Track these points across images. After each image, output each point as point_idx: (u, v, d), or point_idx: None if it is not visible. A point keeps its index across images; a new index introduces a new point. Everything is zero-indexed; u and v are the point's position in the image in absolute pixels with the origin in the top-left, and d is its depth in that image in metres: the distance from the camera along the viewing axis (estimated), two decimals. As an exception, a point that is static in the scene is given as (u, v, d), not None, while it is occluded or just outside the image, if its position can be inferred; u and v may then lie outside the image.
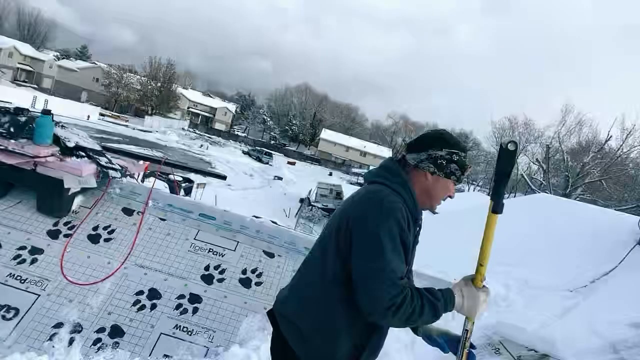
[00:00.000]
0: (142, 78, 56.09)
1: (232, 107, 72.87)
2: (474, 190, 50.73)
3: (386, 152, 68.15)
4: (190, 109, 67.17)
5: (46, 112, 3.22)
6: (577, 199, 27.42)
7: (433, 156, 1.42)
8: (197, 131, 56.72)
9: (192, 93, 70.47)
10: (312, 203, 27.81)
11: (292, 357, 1.44)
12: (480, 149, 61.73)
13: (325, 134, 67.60)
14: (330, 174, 51.06)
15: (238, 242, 3.36)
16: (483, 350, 2.98)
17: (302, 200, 27.77)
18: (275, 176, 35.73)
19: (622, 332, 2.75)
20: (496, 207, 1.41)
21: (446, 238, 6.18)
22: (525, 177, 33.14)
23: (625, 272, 3.69)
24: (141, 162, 4.25)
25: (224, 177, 6.32)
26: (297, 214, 24.75)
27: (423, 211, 1.52)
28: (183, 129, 53.98)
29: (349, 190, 27.20)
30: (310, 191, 29.86)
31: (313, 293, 1.42)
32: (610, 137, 31.72)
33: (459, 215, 8.37)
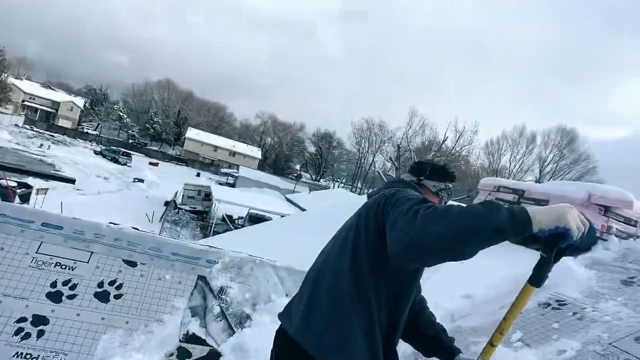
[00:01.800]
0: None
1: (80, 101, 64.05)
2: (338, 187, 54.04)
3: (256, 152, 68.25)
4: (26, 103, 57.49)
5: None
6: (424, 192, 31.16)
7: (449, 188, 1.67)
8: (35, 128, 48.90)
9: (29, 84, 60.25)
10: (179, 206, 26.38)
11: None
12: (343, 148, 66.01)
13: (192, 132, 64.58)
14: (198, 175, 49.05)
15: (92, 252, 3.00)
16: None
17: (167, 204, 26.10)
18: (136, 178, 32.86)
19: (458, 303, 3.27)
20: (534, 280, 1.29)
21: (315, 235, 6.49)
22: (381, 174, 36.51)
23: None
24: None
25: (72, 181, 5.62)
26: (161, 218, 23.19)
27: None
28: (17, 125, 46.05)
29: (218, 191, 26.52)
30: (176, 193, 28.25)
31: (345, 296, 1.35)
32: (447, 137, 37.03)
33: (326, 212, 8.86)
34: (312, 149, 69.08)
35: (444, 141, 37.19)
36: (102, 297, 2.83)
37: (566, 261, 3.67)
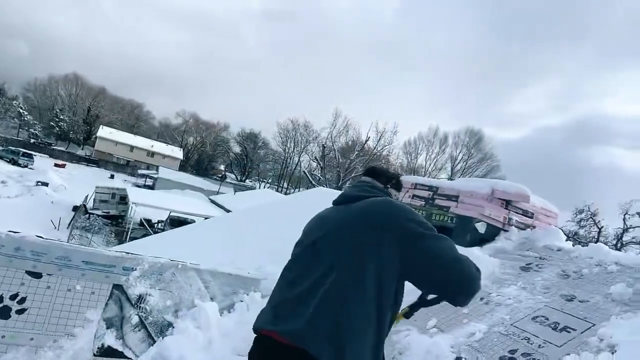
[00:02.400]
0: None
1: (-33, 96, 56.58)
2: (264, 187, 53.66)
3: (177, 152, 65.28)
4: None
5: None
6: (347, 190, 32.20)
7: (398, 182, 1.90)
8: None
9: None
10: (90, 210, 24.40)
11: None
12: (268, 148, 65.62)
13: (104, 131, 59.81)
14: (112, 177, 45.72)
15: (-12, 265, 2.70)
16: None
17: (76, 209, 24.04)
18: (39, 182, 29.76)
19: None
20: (410, 311, 1.67)
21: (241, 234, 6.40)
22: (307, 173, 36.98)
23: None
24: None
25: (-40, 186, 4.96)
26: (70, 224, 21.31)
27: None
28: None
29: (135, 194, 24.98)
30: (86, 197, 26.11)
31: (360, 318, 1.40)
32: (369, 138, 38.56)
33: (252, 213, 8.76)
34: (237, 149, 67.75)
35: (366, 141, 38.69)
36: (2, 313, 2.55)
37: (474, 252, 4.02)
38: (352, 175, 37.70)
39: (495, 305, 3.10)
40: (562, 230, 4.69)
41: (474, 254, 3.94)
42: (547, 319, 2.75)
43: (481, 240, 4.62)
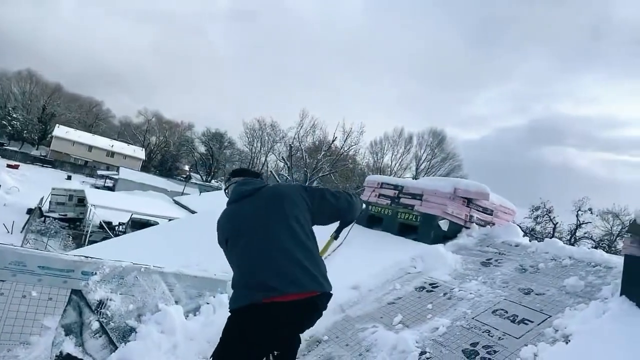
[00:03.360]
0: None
1: None
2: (230, 188, 52.72)
3: (139, 152, 63.32)
4: None
5: None
6: (315, 190, 32.24)
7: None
8: None
9: None
10: (45, 213, 23.30)
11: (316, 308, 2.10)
12: (235, 148, 64.80)
13: (60, 130, 57.14)
14: (69, 178, 43.77)
15: None
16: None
17: (30, 211, 22.87)
18: (-11, 183, 28.19)
19: (347, 294, 3.47)
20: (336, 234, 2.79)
21: (208, 236, 6.27)
22: (274, 173, 36.75)
23: (348, 246, 4.62)
24: None
25: None
26: (24, 228, 20.25)
27: None
28: None
29: (94, 196, 24.03)
30: (42, 199, 24.89)
31: (310, 252, 2.11)
32: (336, 138, 38.75)
33: (219, 213, 8.61)
34: (202, 149, 66.46)
35: (333, 141, 38.84)
36: (-53, 324, 2.40)
37: (438, 249, 4.13)
38: (320, 174, 37.81)
39: (458, 300, 3.20)
40: (520, 227, 4.87)
41: (438, 251, 4.05)
42: (506, 312, 2.86)
43: (444, 237, 4.75)
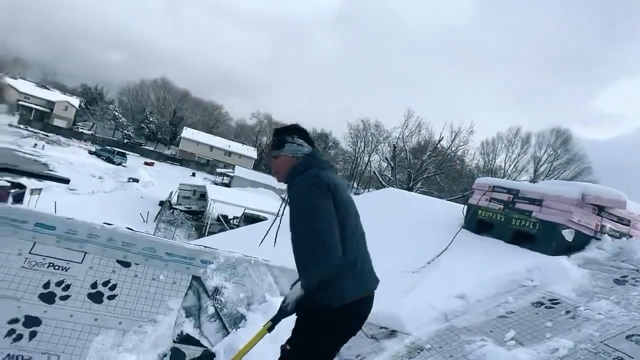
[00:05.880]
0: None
1: (75, 101, 63.18)
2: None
3: (252, 152, 68.09)
4: (21, 103, 56.93)
5: None
6: (417, 191, 31.38)
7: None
8: (30, 128, 48.51)
9: (23, 84, 59.54)
10: (174, 206, 26.29)
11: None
12: (338, 148, 65.99)
13: (187, 132, 64.25)
14: (194, 175, 48.90)
15: (86, 253, 2.99)
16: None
17: (162, 203, 26.01)
18: (130, 178, 32.73)
19: (452, 303, 3.28)
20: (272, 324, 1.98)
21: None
22: (377, 174, 36.56)
23: (453, 252, 4.38)
24: (-49, 164, 3.49)
25: (66, 181, 5.58)
26: (156, 218, 23.10)
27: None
28: (11, 125, 45.73)
29: (214, 191, 26.43)
30: (171, 193, 28.16)
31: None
32: (442, 138, 37.10)
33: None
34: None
35: (439, 141, 37.24)
36: (96, 298, 2.81)
37: (560, 261, 3.70)
38: (424, 176, 36.62)
39: (583, 320, 2.82)
40: (667, 241, 4.15)
41: (561, 264, 3.63)
42: (645, 339, 2.45)
43: (568, 248, 4.23)
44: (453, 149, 38.05)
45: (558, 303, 3.14)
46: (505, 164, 49.26)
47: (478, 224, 5.29)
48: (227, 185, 43.29)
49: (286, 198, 1.96)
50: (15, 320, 2.50)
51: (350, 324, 1.86)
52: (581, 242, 4.32)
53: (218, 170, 54.28)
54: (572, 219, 4.29)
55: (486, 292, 3.46)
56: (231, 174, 47.16)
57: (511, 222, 4.86)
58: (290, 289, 1.92)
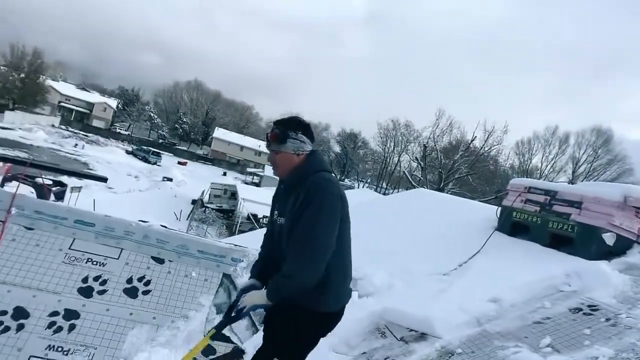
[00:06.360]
0: (1, 68, 48.20)
1: (113, 102, 65.70)
2: (363, 187, 53.75)
3: (281, 152, 68.49)
4: (62, 104, 59.62)
5: None
6: (449, 192, 30.74)
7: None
8: (70, 128, 50.75)
9: (65, 86, 62.30)
10: (206, 204, 26.86)
11: None
12: (368, 148, 65.53)
13: (219, 132, 65.56)
14: (225, 174, 49.82)
15: (122, 249, 3.10)
16: (370, 335, 3.20)
17: (194, 202, 26.64)
18: (165, 177, 33.67)
19: (484, 307, 3.19)
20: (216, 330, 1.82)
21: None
22: (407, 174, 36.09)
23: (486, 255, 4.26)
24: (0, 163, 3.69)
25: (104, 180, 5.80)
26: (189, 216, 23.67)
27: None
28: (53, 125, 47.97)
29: (244, 190, 26.83)
30: (203, 192, 28.79)
31: None
32: (475, 137, 36.23)
33: (350, 211, 8.81)
34: (337, 148, 68.91)
35: (472, 140, 36.39)
36: (131, 292, 2.91)
37: (600, 266, 3.54)
38: (456, 176, 35.87)
39: (625, 329, 2.69)
40: None
41: (601, 269, 3.47)
42: (694, 351, 2.30)
43: (609, 253, 4.05)
44: (486, 148, 37.09)
45: (597, 310, 3.01)
46: (542, 164, 47.58)
47: (512, 226, 5.14)
48: (257, 184, 43.85)
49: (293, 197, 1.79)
50: (55, 313, 2.62)
51: (326, 330, 1.86)
52: (622, 246, 4.12)
53: (248, 169, 55.08)
54: (613, 222, 4.10)
55: (521, 296, 3.35)
56: (261, 174, 47.74)
57: (548, 224, 4.68)
58: (243, 292, 1.88)
